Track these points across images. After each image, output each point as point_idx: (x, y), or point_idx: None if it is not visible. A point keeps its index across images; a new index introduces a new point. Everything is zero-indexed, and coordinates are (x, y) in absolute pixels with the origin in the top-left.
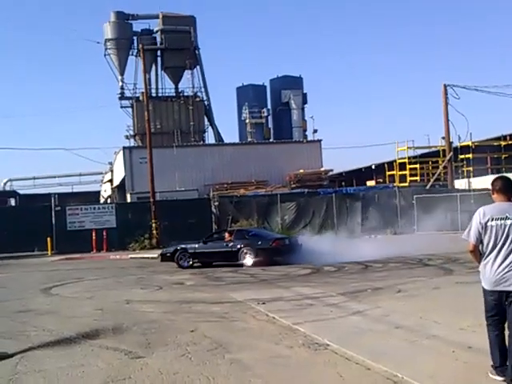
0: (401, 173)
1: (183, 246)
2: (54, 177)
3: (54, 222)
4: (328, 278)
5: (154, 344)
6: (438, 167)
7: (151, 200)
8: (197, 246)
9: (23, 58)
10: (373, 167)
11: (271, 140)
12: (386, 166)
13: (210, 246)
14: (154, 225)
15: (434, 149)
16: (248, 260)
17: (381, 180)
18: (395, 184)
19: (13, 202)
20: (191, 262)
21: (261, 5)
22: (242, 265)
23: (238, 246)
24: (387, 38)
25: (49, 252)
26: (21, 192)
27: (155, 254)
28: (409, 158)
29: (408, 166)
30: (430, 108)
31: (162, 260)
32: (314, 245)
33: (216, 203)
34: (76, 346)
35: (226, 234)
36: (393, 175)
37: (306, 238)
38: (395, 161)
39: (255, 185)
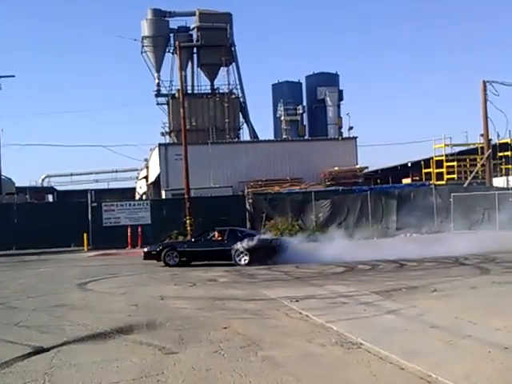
0: (438, 170)
1: (171, 244)
2: (91, 173)
3: (90, 218)
4: (362, 276)
5: (187, 340)
6: (476, 165)
7: (186, 197)
8: (186, 244)
9: (61, 56)
10: (409, 165)
11: (306, 137)
12: (422, 163)
13: (200, 244)
14: (188, 221)
15: (472, 146)
16: (243, 259)
17: (417, 178)
18: (432, 182)
19: (50, 198)
20: (178, 261)
21: (297, 1)
22: (234, 264)
23: (232, 246)
24: (425, 35)
25: (85, 247)
26: (58, 188)
27: None
28: (446, 155)
29: (445, 164)
30: (468, 105)
31: (144, 258)
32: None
33: (250, 200)
34: (110, 340)
35: (216, 234)
36: (429, 173)
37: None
38: (432, 158)
39: (290, 182)
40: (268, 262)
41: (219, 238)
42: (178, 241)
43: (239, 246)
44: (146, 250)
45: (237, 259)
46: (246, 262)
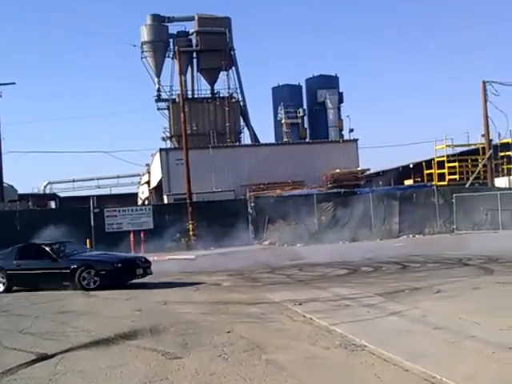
0: (439, 171)
1: None
2: (93, 179)
3: (92, 223)
4: (365, 278)
5: (191, 345)
6: (477, 165)
7: (188, 201)
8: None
9: (61, 62)
10: (411, 166)
11: (307, 140)
12: (424, 164)
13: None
14: (190, 226)
15: (473, 146)
16: None
17: (419, 179)
18: (434, 183)
19: (53, 204)
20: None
21: (296, 4)
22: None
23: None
24: (425, 36)
25: None
26: (60, 195)
27: (193, 255)
28: (447, 156)
29: (447, 165)
30: (469, 105)
31: None
32: None
33: (252, 204)
34: (114, 346)
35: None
36: (431, 174)
37: None
38: (433, 159)
39: (291, 185)
40: None
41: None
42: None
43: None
44: None
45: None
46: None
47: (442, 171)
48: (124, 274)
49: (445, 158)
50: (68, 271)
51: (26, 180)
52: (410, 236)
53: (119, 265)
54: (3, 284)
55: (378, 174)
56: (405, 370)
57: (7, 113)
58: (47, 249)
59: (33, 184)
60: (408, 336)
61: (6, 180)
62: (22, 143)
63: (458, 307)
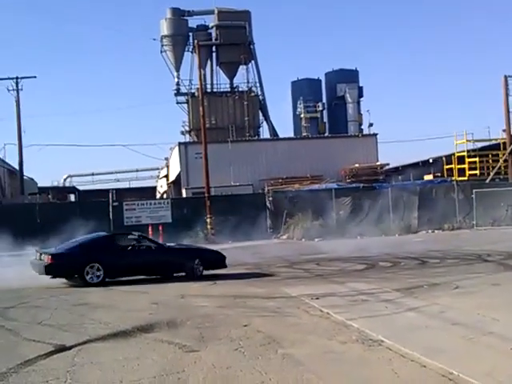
0: (459, 166)
1: None
2: (112, 173)
3: (111, 217)
4: (383, 273)
5: (207, 338)
6: (498, 160)
7: (206, 195)
8: None
9: (81, 56)
10: (430, 161)
11: (326, 134)
12: (444, 159)
13: None
14: (208, 220)
15: (494, 141)
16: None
17: (439, 174)
18: (454, 178)
19: (72, 197)
20: None
21: None
22: None
23: None
24: (448, 31)
25: None
26: (80, 188)
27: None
28: (468, 151)
29: (467, 160)
30: (490, 100)
31: None
32: None
33: (270, 198)
34: (131, 339)
35: None
36: (451, 169)
37: None
38: (454, 154)
39: (310, 180)
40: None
41: None
42: None
43: None
44: None
45: None
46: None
47: (463, 166)
48: (221, 264)
49: (465, 153)
50: (185, 261)
51: (46, 173)
52: (429, 231)
53: (219, 255)
54: (97, 277)
55: (397, 168)
56: (422, 365)
57: (28, 106)
58: (148, 240)
59: (53, 177)
60: (426, 332)
61: (27, 173)
62: (43, 136)
63: (476, 303)
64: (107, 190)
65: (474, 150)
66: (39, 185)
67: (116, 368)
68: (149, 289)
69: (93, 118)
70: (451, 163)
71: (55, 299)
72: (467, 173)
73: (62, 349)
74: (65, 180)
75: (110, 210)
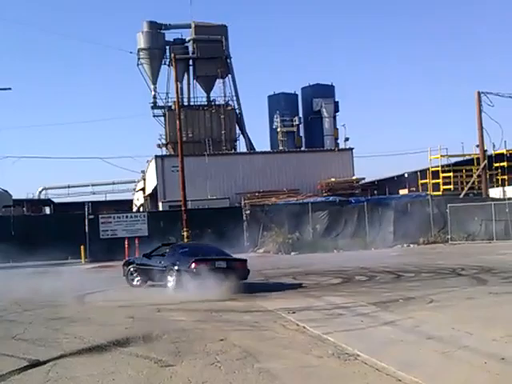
0: (434, 181)
1: (131, 259)
2: (88, 185)
3: (87, 230)
4: (359, 287)
5: (183, 352)
6: (472, 175)
7: (183, 208)
8: (139, 261)
9: (57, 68)
10: (405, 175)
11: (303, 148)
12: (418, 174)
13: (150, 261)
14: (185, 233)
15: (467, 157)
16: (169, 283)
17: (414, 189)
18: (428, 192)
19: (47, 210)
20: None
21: (292, 12)
22: (166, 287)
23: (165, 265)
24: (421, 45)
25: (82, 260)
26: (55, 200)
27: None
28: (442, 166)
29: (441, 175)
30: (465, 115)
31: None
32: None
33: (247, 212)
34: (107, 353)
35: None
36: (426, 184)
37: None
38: (428, 169)
39: (287, 193)
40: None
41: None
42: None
43: (167, 265)
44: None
45: (165, 282)
46: (172, 286)
47: (437, 181)
48: None
49: (439, 168)
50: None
51: (21, 185)
52: (405, 245)
53: None
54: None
55: (373, 183)
56: (397, 379)
57: (3, 118)
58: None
59: (28, 190)
60: (401, 346)
61: (1, 185)
62: (17, 149)
63: (451, 317)
64: (83, 203)
65: (448, 165)
66: (14, 197)
67: (91, 383)
68: (124, 302)
69: (68, 130)
70: (426, 178)
71: (29, 313)
72: (441, 187)
73: (36, 364)
74: (40, 192)
75: (86, 222)
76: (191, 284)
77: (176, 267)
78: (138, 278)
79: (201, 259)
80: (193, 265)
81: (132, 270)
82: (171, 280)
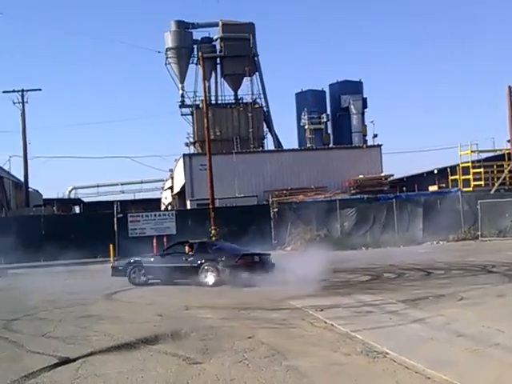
0: (464, 177)
1: (137, 258)
2: (117, 184)
3: (116, 229)
4: (388, 284)
5: (211, 350)
6: (503, 171)
7: (210, 206)
8: (152, 259)
9: (86, 68)
10: (435, 172)
11: (330, 145)
12: (448, 170)
13: (167, 260)
14: (213, 231)
15: (498, 152)
16: (209, 278)
17: (443, 185)
18: (458, 189)
19: (77, 209)
20: (145, 278)
21: (320, 10)
22: (202, 283)
23: (199, 262)
24: (452, 41)
25: (111, 258)
26: (85, 200)
27: None
28: (473, 161)
29: (472, 171)
30: (495, 109)
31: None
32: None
33: (275, 209)
34: (136, 351)
35: (187, 247)
36: (456, 180)
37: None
38: (458, 165)
39: (314, 191)
40: (247, 282)
41: (189, 253)
42: (145, 255)
43: (203, 261)
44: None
45: (202, 277)
46: (213, 281)
47: (467, 177)
48: None
49: (470, 164)
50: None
51: (51, 185)
52: (434, 242)
53: None
54: (214, 276)
55: (401, 179)
56: (427, 377)
57: (33, 118)
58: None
59: (58, 189)
60: (431, 343)
61: (32, 185)
62: (48, 149)
63: (481, 314)
64: (112, 202)
65: (478, 161)
66: (44, 197)
67: (120, 380)
68: (153, 300)
69: (98, 129)
70: (456, 174)
71: (59, 311)
72: (472, 183)
73: (65, 361)
74: (70, 192)
75: (115, 221)
76: (237, 278)
77: (220, 263)
78: (144, 277)
79: (246, 254)
80: (240, 260)
81: (136, 269)
82: (210, 276)
